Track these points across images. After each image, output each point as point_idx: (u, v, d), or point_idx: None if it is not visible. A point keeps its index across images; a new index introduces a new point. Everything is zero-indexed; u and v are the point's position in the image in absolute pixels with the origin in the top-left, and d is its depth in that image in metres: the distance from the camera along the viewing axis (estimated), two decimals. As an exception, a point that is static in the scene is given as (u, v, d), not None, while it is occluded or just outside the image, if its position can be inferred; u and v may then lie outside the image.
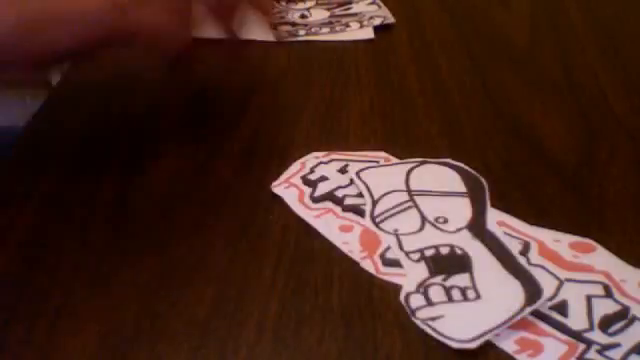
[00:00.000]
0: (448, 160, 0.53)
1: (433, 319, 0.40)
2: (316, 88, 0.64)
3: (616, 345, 0.39)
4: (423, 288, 0.42)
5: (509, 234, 0.46)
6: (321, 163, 0.53)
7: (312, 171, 0.52)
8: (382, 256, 0.45)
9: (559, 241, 0.46)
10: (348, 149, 0.55)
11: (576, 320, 0.40)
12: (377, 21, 0.74)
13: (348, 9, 0.77)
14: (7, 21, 0.48)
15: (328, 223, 0.48)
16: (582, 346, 0.39)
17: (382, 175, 0.52)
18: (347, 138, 0.57)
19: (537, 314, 0.41)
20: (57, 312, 0.42)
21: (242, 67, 0.69)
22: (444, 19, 0.77)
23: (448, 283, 0.43)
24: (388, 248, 0.46)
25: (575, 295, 0.42)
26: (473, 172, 0.52)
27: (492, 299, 0.42)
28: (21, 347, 0.40)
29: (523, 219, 0.48)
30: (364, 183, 0.51)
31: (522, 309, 0.40)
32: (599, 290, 0.42)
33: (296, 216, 0.48)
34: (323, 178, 0.52)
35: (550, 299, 0.42)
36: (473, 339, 0.39)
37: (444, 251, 0.45)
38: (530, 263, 0.44)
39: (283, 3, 0.79)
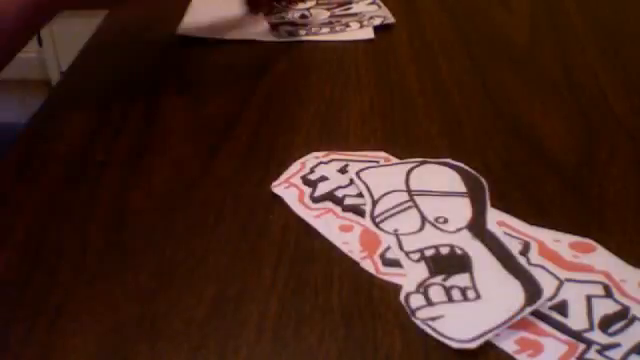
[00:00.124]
0: (448, 160, 0.53)
1: (433, 319, 0.40)
2: (316, 88, 0.64)
3: (616, 345, 0.39)
4: (423, 288, 0.42)
5: (509, 234, 0.46)
6: (321, 163, 0.53)
7: (312, 171, 0.52)
8: (382, 256, 0.45)
9: (559, 241, 0.46)
10: (348, 149, 0.55)
11: (576, 320, 0.40)
12: (377, 21, 0.74)
13: (348, 9, 0.78)
14: (8, 13, 0.49)
15: (328, 223, 0.48)
16: (582, 346, 0.39)
17: (382, 175, 0.52)
18: (347, 138, 0.57)
19: (537, 314, 0.41)
20: (57, 312, 0.42)
21: (242, 67, 0.69)
22: (444, 19, 0.77)
23: (448, 283, 0.43)
24: (388, 248, 0.46)
25: (575, 295, 0.42)
26: (473, 172, 0.52)
27: (492, 299, 0.42)
28: (21, 347, 0.40)
29: (523, 219, 0.48)
30: (364, 183, 0.51)
31: (522, 309, 0.40)
32: (599, 290, 0.42)
33: (296, 216, 0.48)
34: (323, 178, 0.52)
35: (550, 299, 0.42)
36: (473, 339, 0.39)
37: (444, 251, 0.45)
38: (530, 263, 0.44)
39: (283, 3, 0.79)
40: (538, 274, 0.43)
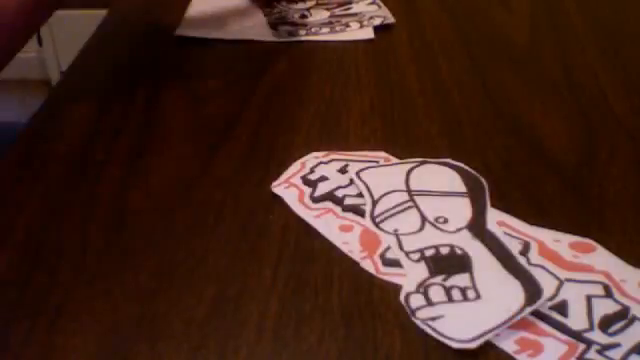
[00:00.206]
0: (448, 160, 0.53)
1: (433, 319, 0.40)
2: (316, 88, 0.64)
3: (616, 345, 0.39)
4: (423, 288, 0.42)
5: (509, 234, 0.46)
6: (321, 163, 0.53)
7: (312, 171, 0.52)
8: (382, 256, 0.45)
9: (559, 241, 0.46)
10: (348, 149, 0.55)
11: (576, 320, 0.40)
12: (377, 21, 0.74)
13: (348, 9, 0.78)
14: (8, 8, 0.49)
15: (328, 223, 0.48)
16: (582, 346, 0.39)
17: (382, 175, 0.52)
18: (347, 138, 0.57)
19: (537, 314, 0.41)
20: (57, 312, 0.42)
21: (242, 67, 0.69)
22: (444, 19, 0.77)
23: (448, 283, 0.43)
24: (388, 248, 0.46)
25: (575, 295, 0.42)
26: (473, 172, 0.52)
27: (492, 299, 0.42)
28: (21, 347, 0.40)
29: (523, 219, 0.48)
30: (364, 183, 0.51)
31: (522, 309, 0.40)
32: (599, 290, 0.42)
33: (296, 216, 0.48)
34: (323, 178, 0.52)
35: (550, 299, 0.42)
36: (473, 339, 0.39)
37: (444, 251, 0.45)
38: (530, 263, 0.44)
39: (284, 3, 0.79)
40: (538, 274, 0.43)
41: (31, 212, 0.50)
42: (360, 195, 0.50)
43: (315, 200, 0.50)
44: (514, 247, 0.45)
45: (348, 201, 0.49)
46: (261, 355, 0.39)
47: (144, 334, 0.40)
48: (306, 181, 0.51)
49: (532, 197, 0.50)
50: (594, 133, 0.58)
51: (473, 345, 0.39)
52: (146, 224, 0.48)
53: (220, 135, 0.57)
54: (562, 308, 0.41)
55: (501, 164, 0.54)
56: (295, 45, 0.71)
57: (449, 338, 0.39)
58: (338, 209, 0.49)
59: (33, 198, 0.51)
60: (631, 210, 0.49)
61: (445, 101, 0.62)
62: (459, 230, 0.47)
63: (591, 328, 0.40)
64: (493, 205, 0.49)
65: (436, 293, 0.42)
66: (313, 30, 0.73)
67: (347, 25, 0.74)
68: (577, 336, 0.40)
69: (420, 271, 0.44)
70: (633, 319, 0.41)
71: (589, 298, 0.42)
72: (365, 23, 0.74)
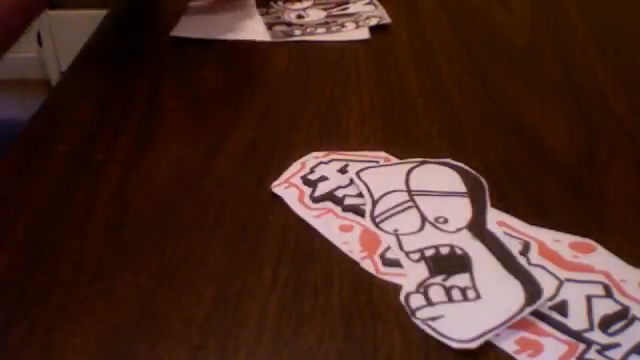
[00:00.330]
0: (448, 160, 0.53)
1: (433, 319, 0.40)
2: (316, 88, 0.64)
3: (616, 345, 0.39)
4: (423, 288, 0.42)
5: (509, 234, 0.46)
6: (321, 163, 0.53)
7: (312, 171, 0.52)
8: (382, 256, 0.45)
9: (559, 241, 0.46)
10: (348, 149, 0.55)
11: (576, 320, 0.40)
12: (373, 21, 0.74)
13: (345, 9, 0.77)
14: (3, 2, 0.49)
15: (328, 223, 0.48)
16: (582, 346, 0.39)
17: (382, 175, 0.52)
18: (347, 138, 0.57)
19: (537, 314, 0.41)
20: (57, 312, 0.42)
21: (242, 67, 0.69)
22: (444, 19, 0.77)
23: (448, 283, 0.43)
24: (388, 248, 0.46)
25: (575, 295, 0.42)
26: (473, 172, 0.52)
27: (492, 299, 0.42)
28: (21, 347, 0.40)
29: (523, 219, 0.48)
30: (364, 183, 0.51)
31: (522, 309, 0.40)
32: (599, 290, 0.42)
33: (296, 216, 0.48)
34: (323, 178, 0.52)
35: (550, 299, 0.42)
36: (473, 339, 0.39)
37: (444, 251, 0.45)
38: (530, 263, 0.44)
39: (280, 3, 0.79)
40: (538, 274, 0.43)
41: (31, 212, 0.50)
42: (360, 195, 0.50)
43: (315, 200, 0.50)
44: (514, 247, 0.45)
45: (348, 201, 0.49)
46: (261, 355, 0.39)
47: (144, 334, 0.40)
48: (306, 181, 0.51)
49: (532, 197, 0.50)
50: (594, 133, 0.58)
51: (473, 345, 0.39)
52: (146, 224, 0.48)
53: (220, 135, 0.57)
54: (562, 308, 0.41)
55: (501, 164, 0.54)
56: (295, 45, 0.71)
57: (449, 338, 0.39)
58: (338, 209, 0.49)
59: (33, 198, 0.51)
60: (631, 210, 0.49)
61: (445, 101, 0.62)
62: (459, 230, 0.47)
63: (591, 328, 0.40)
64: (493, 205, 0.49)
65: (436, 293, 0.42)
66: (309, 30, 0.73)
67: (343, 25, 0.74)
68: (577, 336, 0.40)
69: (420, 271, 0.44)
70: (633, 319, 0.41)
71: (589, 298, 0.42)
72: (361, 23, 0.74)
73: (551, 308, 0.41)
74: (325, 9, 0.78)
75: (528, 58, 0.69)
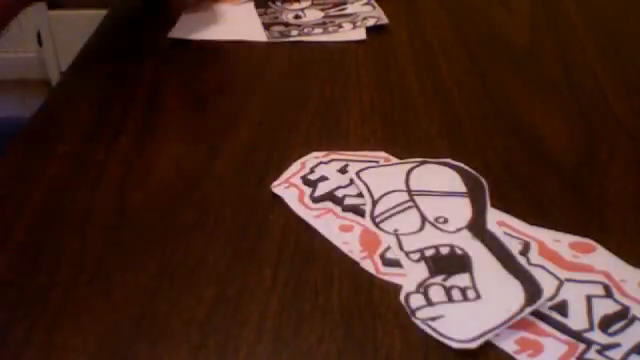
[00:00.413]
0: (448, 160, 0.53)
1: (433, 319, 0.40)
2: (316, 88, 0.64)
3: (616, 345, 0.39)
4: (423, 288, 0.42)
5: (509, 234, 0.46)
6: (321, 163, 0.53)
7: (312, 171, 0.52)
8: (382, 256, 0.45)
9: (559, 241, 0.46)
10: (348, 149, 0.55)
11: (576, 320, 0.40)
12: (370, 22, 0.74)
13: (343, 10, 0.77)
14: None
15: (328, 223, 0.48)
16: (582, 346, 0.39)
17: (382, 175, 0.52)
18: (347, 138, 0.57)
19: (537, 314, 0.41)
20: (57, 312, 0.42)
21: (242, 67, 0.69)
22: (444, 19, 0.77)
23: (448, 283, 0.43)
24: (388, 248, 0.46)
25: (575, 295, 0.42)
26: (473, 172, 0.52)
27: (492, 299, 0.42)
28: (21, 347, 0.40)
29: (523, 219, 0.48)
30: (364, 183, 0.51)
31: (522, 309, 0.40)
32: (599, 290, 0.42)
33: (296, 216, 0.48)
34: (323, 178, 0.52)
35: (550, 299, 0.42)
36: (473, 339, 0.39)
37: (444, 251, 0.45)
38: (530, 263, 0.44)
39: (278, 3, 0.79)
40: (538, 274, 0.43)
41: (31, 212, 0.50)
42: (360, 195, 0.50)
43: (315, 200, 0.50)
44: (514, 247, 0.45)
45: (348, 201, 0.49)
46: (261, 355, 0.39)
47: (144, 334, 0.40)
48: (306, 181, 0.51)
49: (532, 197, 0.50)
50: (594, 133, 0.58)
51: (473, 345, 0.39)
52: (146, 224, 0.48)
53: (220, 135, 0.57)
54: (562, 308, 0.41)
55: (501, 164, 0.54)
56: (295, 45, 0.71)
57: (449, 338, 0.39)
58: (338, 209, 0.49)
59: (33, 198, 0.51)
60: (631, 210, 0.49)
61: (445, 101, 0.62)
62: (459, 230, 0.47)
63: (591, 328, 0.40)
64: (493, 205, 0.49)
65: (436, 293, 0.42)
66: (306, 31, 0.73)
67: (340, 26, 0.74)
68: (577, 336, 0.40)
69: (420, 271, 0.44)
70: (633, 319, 0.41)
71: (589, 298, 0.42)
72: (358, 24, 0.74)
73: (551, 308, 0.41)
74: (323, 9, 0.78)
75: (528, 58, 0.69)
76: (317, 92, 0.63)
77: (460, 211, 0.48)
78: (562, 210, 0.49)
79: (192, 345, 0.40)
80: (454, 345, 0.39)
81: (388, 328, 0.40)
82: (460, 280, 0.43)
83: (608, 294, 0.42)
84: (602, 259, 0.45)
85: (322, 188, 0.51)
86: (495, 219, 0.48)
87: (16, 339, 0.40)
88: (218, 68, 0.68)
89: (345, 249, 0.46)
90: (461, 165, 0.52)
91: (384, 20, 0.74)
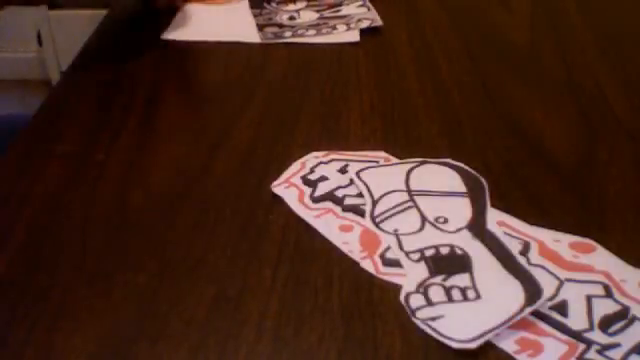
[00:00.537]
0: (448, 160, 0.53)
1: (433, 319, 0.40)
2: (316, 88, 0.64)
3: (616, 345, 0.39)
4: (423, 288, 0.42)
5: (509, 234, 0.46)
6: (321, 163, 0.53)
7: (312, 171, 0.52)
8: (382, 256, 0.45)
9: (559, 241, 0.46)
10: (348, 149, 0.55)
11: (576, 320, 0.40)
12: (365, 24, 0.74)
13: (337, 11, 0.77)
14: None
15: (328, 223, 0.48)
16: (582, 346, 0.39)
17: (382, 175, 0.52)
18: (347, 138, 0.57)
19: (537, 314, 0.41)
20: (57, 312, 0.42)
21: (242, 67, 0.69)
22: (444, 19, 0.77)
23: (448, 283, 0.43)
24: (388, 248, 0.46)
25: (575, 295, 0.42)
26: (473, 172, 0.52)
27: (492, 299, 0.42)
28: (21, 347, 0.40)
29: (523, 219, 0.48)
30: (364, 183, 0.51)
31: (522, 309, 0.40)
32: (599, 290, 0.42)
33: (296, 216, 0.48)
34: (323, 178, 0.52)
35: (550, 299, 0.42)
36: (473, 339, 0.39)
37: (444, 251, 0.45)
38: (530, 263, 0.44)
39: (274, 4, 0.79)
40: (538, 274, 0.43)
41: (31, 212, 0.50)
42: (360, 195, 0.50)
43: (315, 200, 0.50)
44: (514, 247, 0.45)
45: (348, 201, 0.49)
46: (261, 355, 0.39)
47: (144, 334, 0.40)
48: (306, 181, 0.51)
49: (532, 197, 0.50)
50: (594, 133, 0.58)
51: (473, 345, 0.39)
52: (146, 224, 0.48)
53: (220, 135, 0.57)
54: (562, 308, 0.41)
55: (501, 164, 0.54)
56: (296, 45, 0.71)
57: (449, 338, 0.39)
58: (338, 209, 0.49)
59: (33, 198, 0.51)
60: (631, 210, 0.49)
61: (445, 101, 0.62)
62: (459, 230, 0.47)
63: (591, 328, 0.40)
64: (493, 205, 0.49)
65: (436, 293, 0.42)
66: (299, 32, 0.73)
67: (334, 27, 0.74)
68: (577, 336, 0.40)
69: (420, 271, 0.44)
70: (633, 319, 0.41)
71: (589, 298, 0.42)
72: (352, 26, 0.74)
73: (551, 308, 0.41)
74: (318, 11, 0.77)
75: (528, 58, 0.69)
76: (317, 92, 0.63)
77: (460, 211, 0.48)
78: (562, 210, 0.49)
79: (192, 345, 0.40)
80: (454, 345, 0.39)
81: (388, 328, 0.40)
82: (460, 280, 0.43)
83: (608, 294, 0.42)
84: (602, 259, 0.45)
85: (322, 188, 0.51)
86: (495, 219, 0.48)
87: (16, 339, 0.40)
88: (218, 68, 0.68)
89: (345, 249, 0.46)
90: (461, 165, 0.52)
91: (378, 22, 0.74)
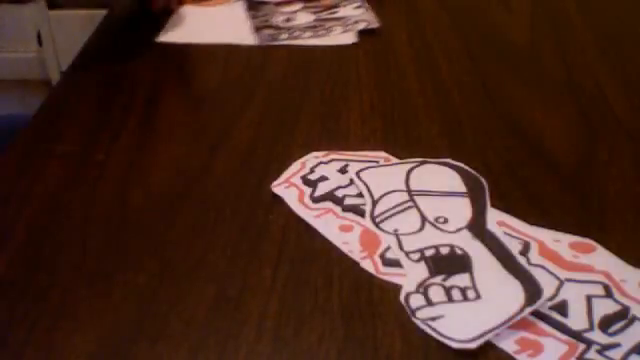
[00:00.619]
0: (448, 160, 0.53)
1: (433, 319, 0.40)
2: (316, 88, 0.64)
3: (616, 345, 0.39)
4: (423, 288, 0.42)
5: (509, 234, 0.46)
6: (321, 163, 0.53)
7: (312, 171, 0.52)
8: (382, 256, 0.45)
9: (559, 241, 0.46)
10: (348, 149, 0.55)
11: (576, 320, 0.40)
12: (361, 25, 0.73)
13: (334, 13, 0.77)
14: None
15: (328, 223, 0.48)
16: (582, 346, 0.39)
17: (382, 175, 0.52)
18: (347, 138, 0.57)
19: (537, 314, 0.41)
20: (57, 312, 0.42)
21: (242, 67, 0.68)
22: (444, 19, 0.77)
23: (448, 283, 0.43)
24: (388, 248, 0.46)
25: (575, 295, 0.42)
26: (473, 172, 0.52)
27: (492, 299, 0.42)
28: (21, 347, 0.40)
29: (523, 219, 0.48)
30: (364, 183, 0.51)
31: (522, 309, 0.40)
32: (599, 290, 0.42)
33: (296, 216, 0.48)
34: (323, 178, 0.52)
35: (550, 299, 0.42)
36: (473, 339, 0.39)
37: (444, 251, 0.45)
38: (530, 263, 0.44)
39: (270, 6, 0.78)
40: (538, 274, 0.43)
41: (31, 212, 0.50)
42: (360, 195, 0.50)
43: (315, 200, 0.50)
44: (514, 247, 0.45)
45: (348, 201, 0.49)
46: (261, 355, 0.39)
47: (144, 334, 0.40)
48: (306, 181, 0.51)
49: (532, 197, 0.50)
50: (594, 133, 0.58)
51: (473, 345, 0.39)
52: (146, 224, 0.48)
53: (220, 135, 0.57)
54: (562, 308, 0.41)
55: (501, 164, 0.54)
56: (295, 45, 0.71)
57: (449, 338, 0.39)
58: (338, 209, 0.49)
59: (33, 198, 0.51)
60: (631, 210, 0.49)
61: (445, 101, 0.62)
62: (459, 230, 0.47)
63: (591, 328, 0.40)
64: (493, 205, 0.49)
65: (436, 293, 0.42)
66: (295, 34, 0.73)
67: (330, 29, 0.73)
68: (577, 336, 0.40)
69: (420, 271, 0.44)
70: (633, 319, 0.41)
71: (589, 298, 0.42)
72: (349, 27, 0.73)
73: (551, 308, 0.41)
74: (314, 12, 0.77)
75: (528, 58, 0.69)
76: (317, 92, 0.63)
77: (460, 211, 0.48)
78: (562, 210, 0.49)
79: (192, 345, 0.40)
80: (454, 345, 0.39)
81: (388, 328, 0.40)
82: (460, 280, 0.43)
83: (608, 294, 0.42)
84: (602, 259, 0.45)
85: (322, 188, 0.51)
86: (495, 219, 0.48)
87: (16, 339, 0.40)
88: (218, 68, 0.68)
89: (345, 249, 0.46)
90: (461, 165, 0.52)
91: (375, 24, 0.74)
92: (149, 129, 0.59)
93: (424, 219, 0.48)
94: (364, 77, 0.66)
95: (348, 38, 0.72)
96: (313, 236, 0.47)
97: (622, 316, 0.41)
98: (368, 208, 0.49)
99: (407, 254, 0.45)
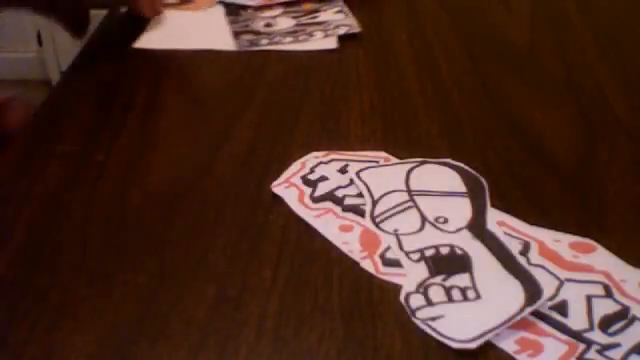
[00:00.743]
0: (448, 160, 0.53)
1: (433, 319, 0.40)
2: (316, 88, 0.64)
3: (616, 345, 0.39)
4: (423, 288, 0.42)
5: (509, 234, 0.46)
6: (321, 163, 0.53)
7: (312, 171, 0.52)
8: (382, 256, 0.45)
9: (559, 241, 0.46)
10: (348, 149, 0.55)
11: (576, 320, 0.40)
12: (342, 30, 0.72)
13: (315, 17, 0.76)
14: None
15: (328, 223, 0.48)
16: (582, 346, 0.39)
17: (382, 175, 0.52)
18: (347, 138, 0.57)
19: (537, 314, 0.41)
20: (57, 312, 0.42)
21: (242, 67, 0.68)
22: (444, 19, 0.77)
23: (448, 283, 0.43)
24: (388, 248, 0.46)
25: (575, 295, 0.42)
26: (473, 172, 0.52)
27: (492, 299, 0.42)
28: (22, 347, 0.40)
29: (523, 219, 0.48)
30: (364, 183, 0.51)
31: (522, 309, 0.40)
32: (599, 290, 0.42)
33: (296, 216, 0.48)
34: (323, 178, 0.52)
35: (550, 299, 0.42)
36: (473, 339, 0.39)
37: (444, 251, 0.45)
38: (530, 263, 0.44)
39: (250, 11, 0.78)
40: (538, 274, 0.43)
41: (31, 212, 0.50)
42: (360, 195, 0.50)
43: (315, 200, 0.50)
44: (514, 247, 0.45)
45: (348, 201, 0.49)
46: (261, 355, 0.39)
47: (144, 334, 0.40)
48: (306, 181, 0.51)
49: (532, 197, 0.50)
50: (594, 133, 0.58)
51: (473, 345, 0.39)
52: (146, 224, 0.48)
53: (220, 135, 0.57)
54: (562, 308, 0.41)
55: (501, 164, 0.54)
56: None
57: (449, 338, 0.39)
58: (338, 209, 0.49)
59: (33, 198, 0.51)
60: (631, 210, 0.49)
61: (445, 101, 0.62)
62: (459, 230, 0.47)
63: (591, 328, 0.40)
64: (493, 205, 0.49)
65: (436, 293, 0.42)
66: (276, 39, 0.72)
67: (311, 34, 0.72)
68: (577, 336, 0.40)
69: (420, 271, 0.44)
70: (633, 319, 0.41)
71: (589, 298, 0.42)
72: (330, 32, 0.72)
73: (551, 308, 0.41)
74: (295, 17, 0.76)
75: (528, 58, 0.69)
76: (317, 92, 0.63)
77: (460, 211, 0.48)
78: (562, 210, 0.49)
79: (192, 345, 0.40)
80: (454, 345, 0.39)
81: (388, 328, 0.40)
82: (460, 280, 0.43)
83: (608, 294, 0.42)
84: (602, 259, 0.45)
85: (322, 188, 0.51)
86: (495, 219, 0.48)
87: (16, 339, 0.40)
88: (218, 68, 0.68)
89: (345, 249, 0.46)
90: (461, 165, 0.52)
91: (356, 29, 0.73)
92: (149, 129, 0.59)
93: (424, 219, 0.48)
94: (364, 77, 0.66)
95: (329, 43, 0.71)
96: (313, 236, 0.47)
97: (622, 316, 0.41)
98: (368, 208, 0.49)
99: (407, 254, 0.45)
